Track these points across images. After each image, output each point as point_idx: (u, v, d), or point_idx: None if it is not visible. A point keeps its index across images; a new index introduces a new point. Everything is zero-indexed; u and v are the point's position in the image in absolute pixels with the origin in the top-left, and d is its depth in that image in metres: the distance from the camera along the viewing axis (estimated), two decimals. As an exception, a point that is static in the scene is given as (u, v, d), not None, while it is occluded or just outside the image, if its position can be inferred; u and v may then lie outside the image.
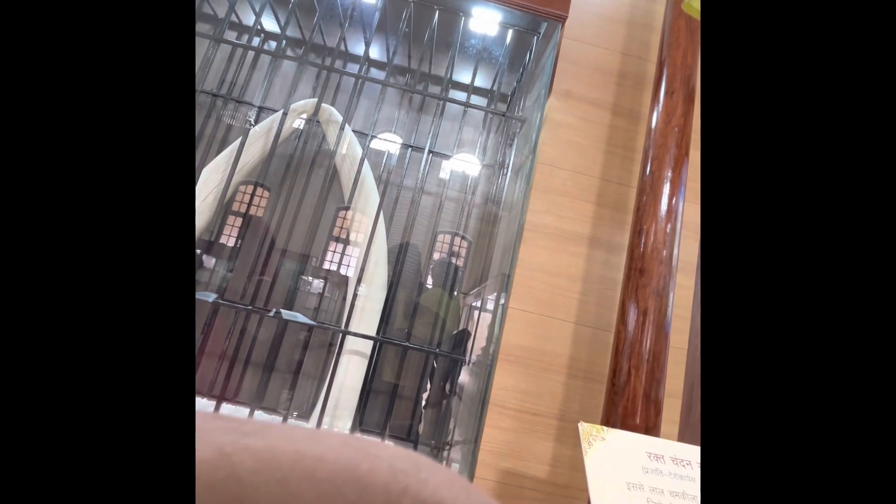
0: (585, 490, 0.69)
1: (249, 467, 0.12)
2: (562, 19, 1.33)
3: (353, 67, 2.04)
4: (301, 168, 1.93)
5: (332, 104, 1.86)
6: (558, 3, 1.32)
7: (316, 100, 1.75)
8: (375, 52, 2.05)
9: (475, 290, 1.89)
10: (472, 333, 1.70)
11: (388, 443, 0.16)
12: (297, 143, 1.93)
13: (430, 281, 1.90)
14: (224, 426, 0.14)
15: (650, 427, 0.95)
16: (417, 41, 1.84)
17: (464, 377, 1.64)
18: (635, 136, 1.30)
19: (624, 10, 1.38)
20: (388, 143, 1.99)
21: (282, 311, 1.52)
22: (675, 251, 1.07)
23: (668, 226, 1.08)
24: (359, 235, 1.75)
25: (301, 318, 1.59)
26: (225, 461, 0.12)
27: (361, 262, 1.50)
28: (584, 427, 0.76)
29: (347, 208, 1.80)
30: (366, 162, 1.60)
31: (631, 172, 1.27)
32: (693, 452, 0.77)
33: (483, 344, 1.43)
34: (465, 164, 2.01)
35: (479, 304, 1.76)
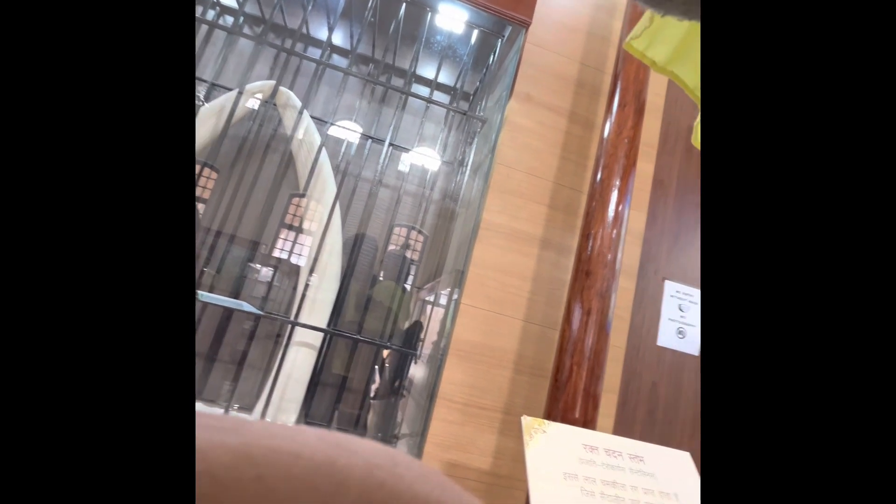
0: (525, 480, 0.72)
1: (225, 463, 0.12)
2: (525, 25, 1.36)
3: (315, 52, 1.99)
4: (255, 151, 1.86)
5: (291, 88, 1.80)
6: (523, 9, 1.35)
7: (273, 82, 1.69)
8: (339, 39, 2.01)
9: (429, 284, 1.90)
10: (425, 326, 1.72)
11: (366, 439, 0.16)
12: (252, 126, 1.86)
13: (382, 274, 1.89)
14: (199, 422, 0.13)
15: (588, 420, 1.00)
16: (383, 31, 1.82)
17: (413, 371, 1.65)
18: (588, 144, 1.36)
19: (584, 21, 1.43)
20: (347, 132, 1.95)
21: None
22: (619, 255, 1.13)
23: (614, 231, 1.14)
24: (312, 224, 1.71)
25: (247, 306, 1.54)
26: (199, 457, 0.12)
27: (315, 252, 1.47)
28: (526, 420, 0.80)
29: (302, 195, 1.76)
30: (324, 150, 1.57)
31: (583, 178, 1.33)
32: (624, 444, 0.83)
33: (434, 338, 1.44)
34: (424, 158, 2.02)
35: (432, 298, 1.77)
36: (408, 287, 1.94)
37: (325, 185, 1.59)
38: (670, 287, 1.54)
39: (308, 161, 1.59)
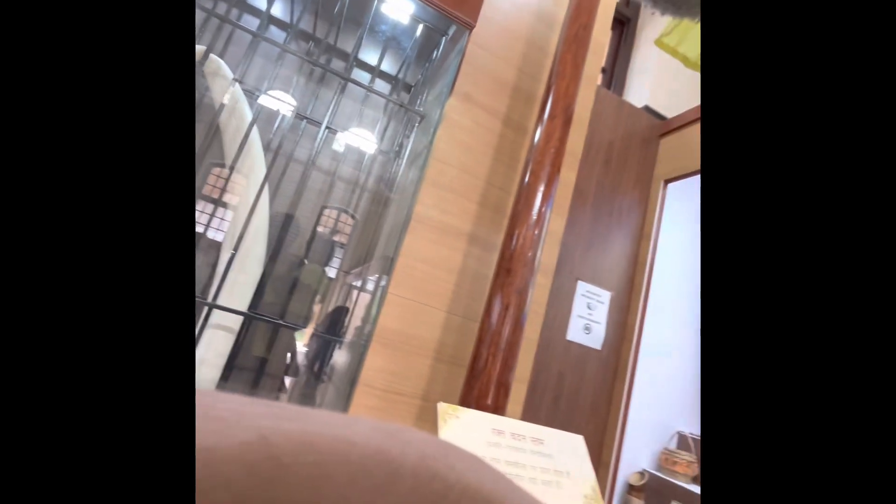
0: (436, 461, 0.78)
1: (287, 450, 0.13)
2: (470, 27, 1.40)
3: (250, 21, 1.88)
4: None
5: (222, 56, 1.70)
6: (468, 10, 1.38)
7: (203, 47, 1.58)
8: (278, 10, 1.91)
9: (357, 269, 1.90)
10: (351, 312, 1.72)
11: (417, 429, 0.17)
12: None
13: (308, 256, 1.86)
14: (264, 411, 0.14)
15: (498, 407, 1.08)
16: (326, 10, 1.76)
17: (335, 357, 1.65)
18: (519, 148, 1.44)
19: (525, 30, 1.50)
20: (281, 104, 1.87)
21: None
22: (539, 254, 1.22)
23: (536, 232, 1.23)
24: (235, 198, 1.64)
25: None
26: (264, 443, 0.13)
27: (240, 231, 1.41)
28: (441, 407, 0.85)
29: (223, 166, 1.67)
30: (255, 126, 1.50)
31: (512, 180, 1.41)
32: (528, 428, 0.91)
33: (359, 325, 1.46)
34: (360, 140, 2.00)
35: (359, 283, 1.78)
36: (333, 271, 1.92)
37: (255, 161, 1.53)
38: (581, 287, 1.69)
39: (237, 134, 1.51)
